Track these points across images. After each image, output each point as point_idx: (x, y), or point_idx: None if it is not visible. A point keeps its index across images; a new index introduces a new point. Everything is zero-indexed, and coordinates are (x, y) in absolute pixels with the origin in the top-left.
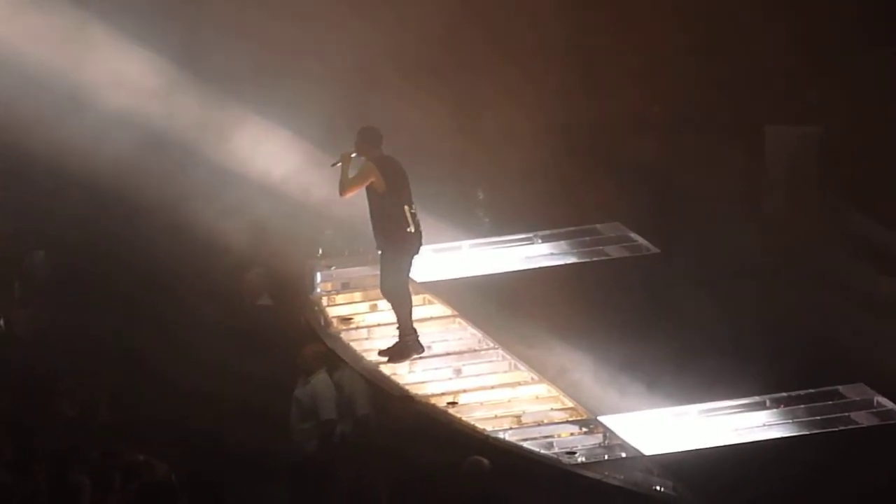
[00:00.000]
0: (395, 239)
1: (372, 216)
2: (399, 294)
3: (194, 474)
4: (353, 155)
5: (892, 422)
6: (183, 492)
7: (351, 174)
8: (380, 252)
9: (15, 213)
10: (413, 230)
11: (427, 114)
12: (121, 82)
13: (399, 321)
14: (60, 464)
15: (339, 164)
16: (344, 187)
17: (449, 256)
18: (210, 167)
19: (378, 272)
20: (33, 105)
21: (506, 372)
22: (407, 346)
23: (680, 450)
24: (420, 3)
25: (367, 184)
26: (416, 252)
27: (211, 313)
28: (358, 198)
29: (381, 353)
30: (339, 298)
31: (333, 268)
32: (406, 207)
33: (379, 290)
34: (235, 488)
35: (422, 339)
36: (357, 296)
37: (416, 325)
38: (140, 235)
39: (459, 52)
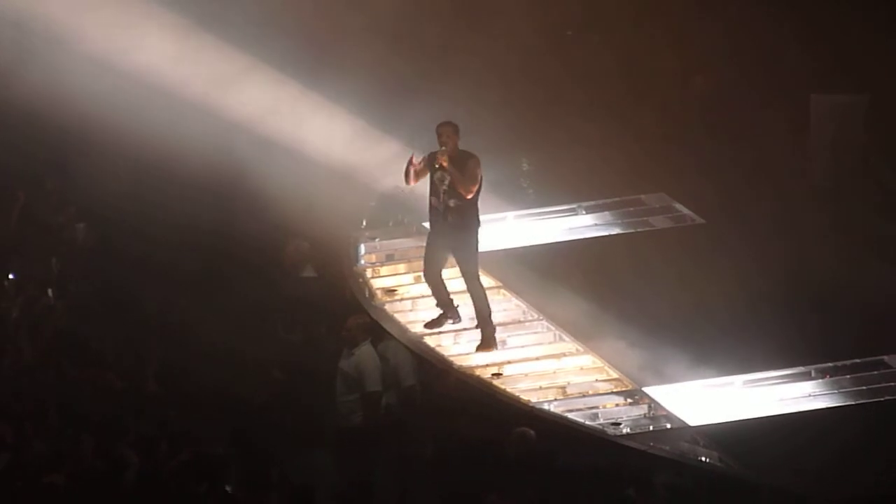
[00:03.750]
0: (477, 230)
1: (464, 212)
2: (480, 282)
3: (241, 444)
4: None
5: None
6: (231, 461)
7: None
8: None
9: (59, 186)
10: None
11: (472, 85)
12: (174, 60)
13: (482, 311)
14: (108, 435)
15: (440, 166)
16: (468, 187)
17: (493, 227)
18: (255, 140)
19: (420, 244)
20: (79, 80)
21: (550, 343)
22: (491, 338)
23: (725, 420)
24: None
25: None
26: None
27: (257, 285)
28: (400, 168)
29: (477, 349)
30: (384, 270)
31: (378, 239)
32: None
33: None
34: (282, 457)
35: (465, 311)
36: (401, 267)
37: (458, 296)
38: (184, 208)
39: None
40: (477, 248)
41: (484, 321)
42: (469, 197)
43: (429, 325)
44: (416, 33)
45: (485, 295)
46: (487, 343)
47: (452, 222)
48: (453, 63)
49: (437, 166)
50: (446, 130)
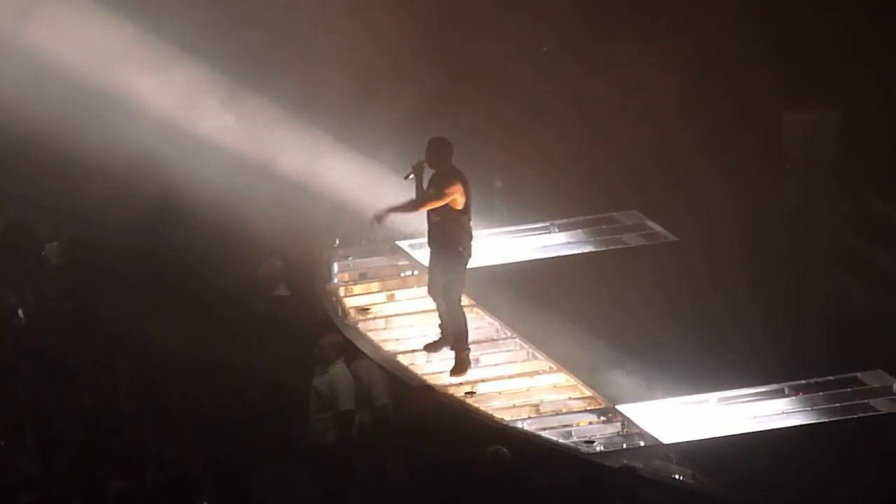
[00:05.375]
0: (465, 253)
1: (445, 230)
2: (461, 306)
3: (215, 463)
4: (425, 166)
5: None
6: (205, 480)
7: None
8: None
9: (31, 204)
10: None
11: (445, 103)
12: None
13: (459, 334)
14: (82, 456)
15: (412, 176)
16: (422, 202)
17: None
18: (227, 157)
19: (393, 262)
20: (52, 99)
21: (524, 361)
22: (465, 360)
23: (699, 438)
24: None
25: (450, 200)
26: None
27: (230, 303)
28: (373, 186)
29: (451, 372)
30: (357, 289)
31: (351, 258)
32: (471, 222)
33: (395, 280)
34: (256, 476)
35: (437, 329)
36: (374, 286)
37: (431, 314)
38: (157, 225)
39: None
40: (460, 278)
41: (459, 345)
42: (418, 209)
43: (428, 347)
44: (393, 54)
45: (465, 321)
46: (461, 367)
47: (437, 239)
48: (428, 82)
49: (408, 177)
50: (428, 147)
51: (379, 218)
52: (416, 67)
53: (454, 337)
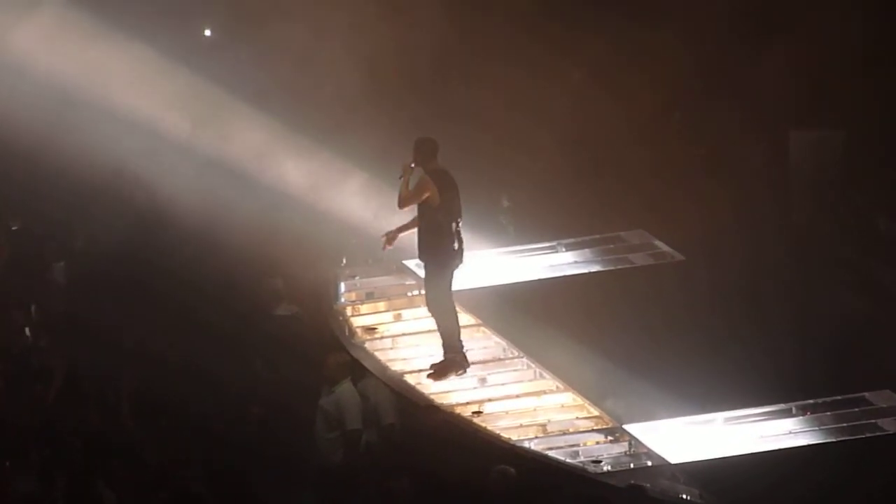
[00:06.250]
0: (437, 253)
1: (419, 228)
2: (441, 309)
3: (220, 481)
4: (412, 166)
5: None
6: (209, 499)
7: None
8: (422, 265)
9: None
10: (456, 247)
11: (450, 121)
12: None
13: (442, 337)
14: (85, 474)
15: (402, 176)
16: (403, 200)
17: (473, 265)
18: (236, 176)
19: (400, 282)
20: (60, 116)
21: (531, 381)
22: (449, 364)
23: (706, 458)
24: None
25: (424, 198)
26: (457, 267)
27: (235, 322)
28: (381, 206)
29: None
30: (364, 308)
31: (358, 277)
32: (454, 224)
33: (402, 300)
34: (262, 495)
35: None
36: (381, 305)
37: (437, 334)
38: (164, 243)
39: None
40: (432, 277)
41: (446, 349)
42: (399, 207)
43: (432, 376)
44: (401, 71)
45: (448, 324)
46: (440, 372)
47: (418, 241)
48: (435, 103)
49: (401, 177)
50: (414, 147)
51: (390, 239)
52: (424, 87)
53: (443, 342)
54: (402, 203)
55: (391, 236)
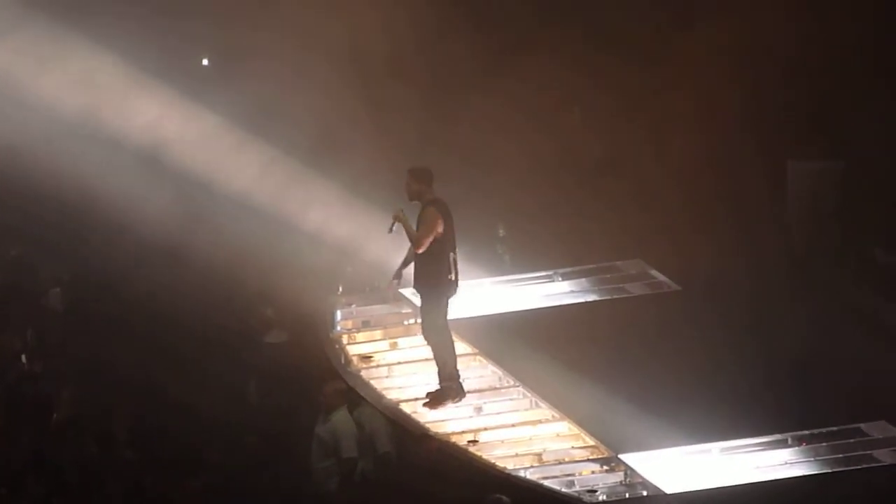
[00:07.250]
0: (434, 283)
1: (417, 258)
2: (438, 338)
3: None
4: (402, 210)
5: None
6: None
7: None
8: (418, 293)
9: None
10: (452, 277)
11: (448, 152)
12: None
13: (438, 366)
14: (82, 500)
15: (395, 224)
16: (419, 241)
17: (469, 294)
18: (229, 205)
19: (396, 310)
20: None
21: (526, 410)
22: (445, 392)
23: (702, 488)
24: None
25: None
26: (452, 295)
27: (228, 350)
28: (377, 234)
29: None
30: (360, 336)
31: (354, 305)
32: (451, 254)
33: (398, 328)
34: None
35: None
36: (377, 334)
37: (433, 363)
38: (158, 272)
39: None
40: (428, 307)
41: (442, 377)
42: (418, 251)
43: (430, 398)
44: (398, 105)
45: (444, 353)
46: (437, 398)
47: (415, 272)
48: (433, 133)
49: (392, 229)
50: (407, 177)
51: (397, 278)
52: (419, 116)
53: (438, 371)
54: (420, 245)
55: (397, 275)
